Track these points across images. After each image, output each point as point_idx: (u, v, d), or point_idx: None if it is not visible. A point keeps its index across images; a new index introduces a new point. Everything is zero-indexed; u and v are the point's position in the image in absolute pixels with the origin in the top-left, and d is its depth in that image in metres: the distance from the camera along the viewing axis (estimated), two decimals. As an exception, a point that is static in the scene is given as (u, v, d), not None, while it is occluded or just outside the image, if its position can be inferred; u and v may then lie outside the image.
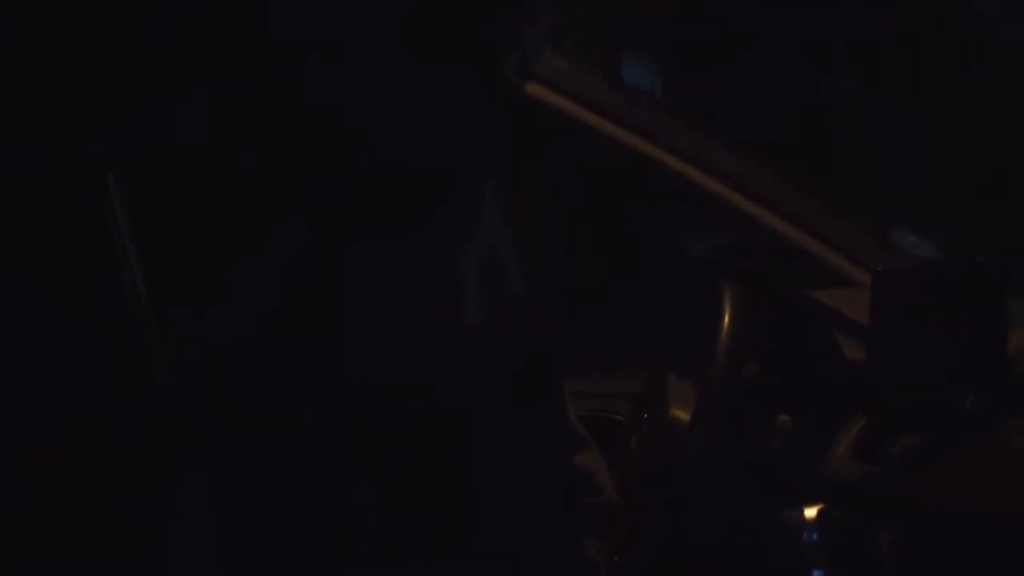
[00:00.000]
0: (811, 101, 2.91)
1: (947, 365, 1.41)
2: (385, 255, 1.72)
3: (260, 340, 1.71)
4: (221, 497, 1.66)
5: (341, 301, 1.72)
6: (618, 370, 2.29)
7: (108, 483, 1.65)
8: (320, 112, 1.74)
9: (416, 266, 1.77)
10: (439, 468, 1.74)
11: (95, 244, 1.94)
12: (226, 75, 1.65)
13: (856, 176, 3.01)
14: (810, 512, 1.48)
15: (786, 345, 1.80)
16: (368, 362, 1.71)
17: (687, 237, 2.16)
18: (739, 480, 1.63)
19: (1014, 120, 2.70)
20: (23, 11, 1.65)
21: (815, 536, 1.46)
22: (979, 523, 1.27)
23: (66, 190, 1.92)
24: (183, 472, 1.68)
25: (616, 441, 1.88)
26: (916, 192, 2.80)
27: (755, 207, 2.16)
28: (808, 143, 2.92)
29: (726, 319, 1.68)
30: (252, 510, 1.65)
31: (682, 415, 1.68)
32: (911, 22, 2.65)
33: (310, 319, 1.71)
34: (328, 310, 1.72)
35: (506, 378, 1.91)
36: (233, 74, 1.66)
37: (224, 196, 1.80)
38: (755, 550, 1.57)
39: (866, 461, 1.50)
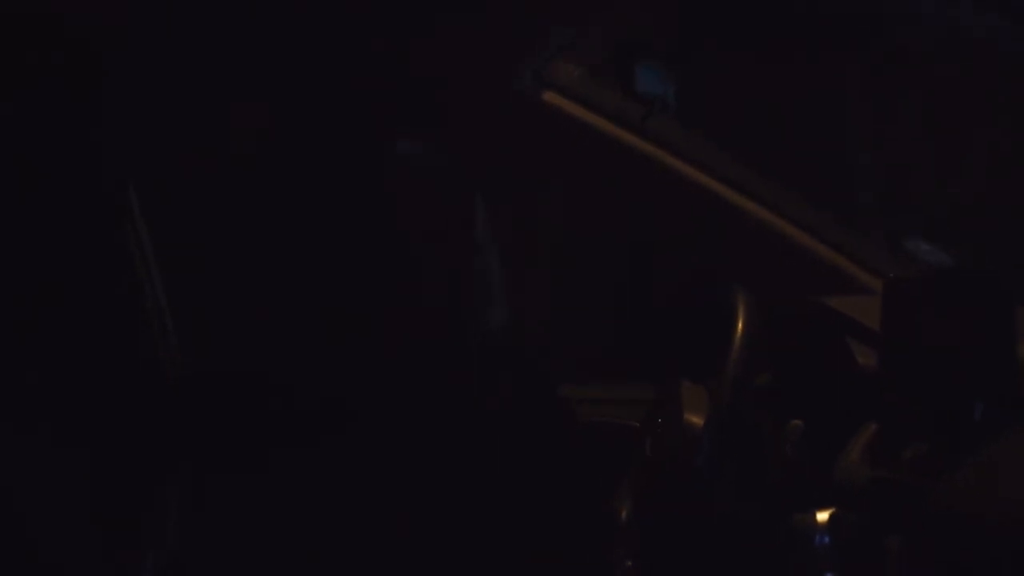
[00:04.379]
0: (824, 109, 2.92)
1: (958, 374, 1.42)
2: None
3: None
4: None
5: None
6: (635, 377, 2.30)
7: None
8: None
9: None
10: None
11: (114, 249, 1.97)
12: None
13: (871, 183, 3.01)
14: (821, 516, 1.49)
15: (798, 351, 1.81)
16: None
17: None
18: (751, 484, 1.64)
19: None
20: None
21: (826, 540, 1.47)
22: (988, 530, 1.28)
23: (88, 197, 1.95)
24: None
25: (633, 447, 1.90)
26: (930, 200, 2.81)
27: (769, 215, 2.17)
28: (822, 150, 2.93)
29: (739, 326, 1.69)
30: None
31: (696, 420, 1.70)
32: (921, 36, 2.66)
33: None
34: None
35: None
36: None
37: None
38: (767, 554, 1.58)
39: (877, 466, 1.51)
